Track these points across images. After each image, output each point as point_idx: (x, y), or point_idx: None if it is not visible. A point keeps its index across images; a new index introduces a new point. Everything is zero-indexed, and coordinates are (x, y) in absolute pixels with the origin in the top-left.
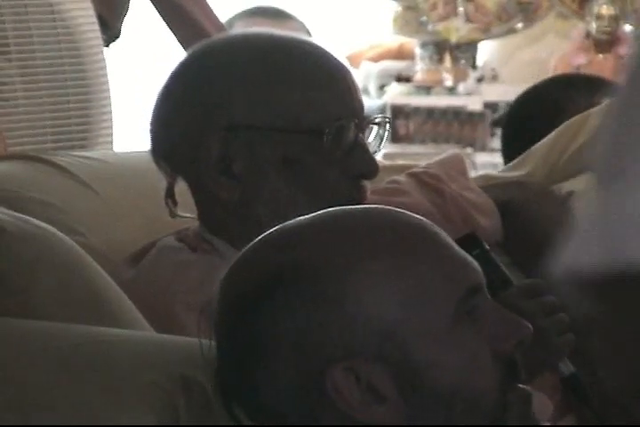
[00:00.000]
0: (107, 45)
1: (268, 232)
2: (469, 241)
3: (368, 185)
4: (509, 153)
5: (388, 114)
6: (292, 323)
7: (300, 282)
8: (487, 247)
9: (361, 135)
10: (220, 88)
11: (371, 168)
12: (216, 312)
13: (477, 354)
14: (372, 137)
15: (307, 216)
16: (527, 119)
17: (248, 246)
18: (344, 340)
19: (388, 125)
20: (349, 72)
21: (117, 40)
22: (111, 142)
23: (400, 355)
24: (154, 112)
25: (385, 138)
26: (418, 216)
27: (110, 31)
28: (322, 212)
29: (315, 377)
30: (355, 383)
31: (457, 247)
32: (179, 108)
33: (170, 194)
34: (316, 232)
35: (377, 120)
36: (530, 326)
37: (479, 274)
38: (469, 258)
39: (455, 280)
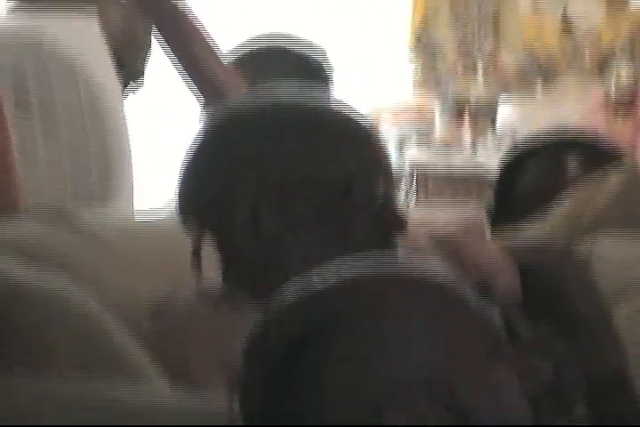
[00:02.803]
0: (130, 88)
1: (300, 290)
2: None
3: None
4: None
5: (408, 174)
6: (331, 379)
7: (337, 337)
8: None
9: (389, 190)
10: (249, 144)
11: (399, 222)
12: (246, 368)
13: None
14: (400, 193)
15: (332, 283)
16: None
17: (279, 303)
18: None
19: (415, 182)
20: (376, 128)
21: (142, 83)
22: (131, 198)
23: (446, 395)
24: (183, 170)
25: (412, 194)
26: (444, 276)
27: (130, 70)
28: (345, 278)
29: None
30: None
31: (476, 307)
32: (209, 166)
33: (196, 254)
34: (353, 285)
35: (405, 177)
36: None
37: (501, 332)
38: (490, 318)
39: (478, 338)
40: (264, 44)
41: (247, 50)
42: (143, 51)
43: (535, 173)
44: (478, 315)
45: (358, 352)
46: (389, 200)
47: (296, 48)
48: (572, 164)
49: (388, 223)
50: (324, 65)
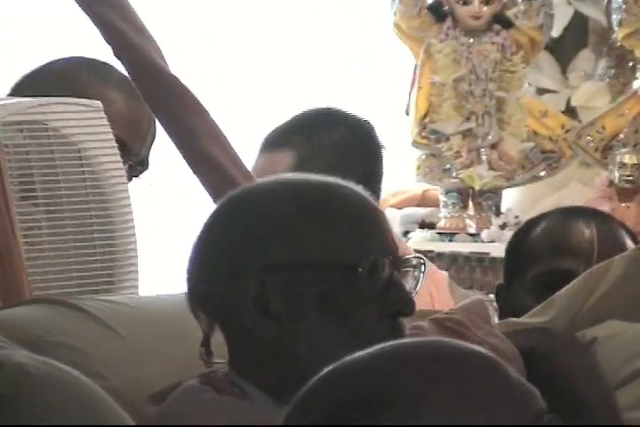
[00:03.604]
0: (134, 175)
1: (328, 369)
2: None
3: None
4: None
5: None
6: None
7: (373, 415)
8: None
9: (396, 273)
10: (255, 229)
11: (407, 305)
12: None
13: None
14: (407, 278)
15: (368, 350)
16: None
17: (312, 383)
18: None
19: (423, 267)
20: (382, 212)
21: (145, 170)
22: (136, 286)
23: None
24: (190, 259)
25: (420, 280)
26: (476, 347)
27: (135, 158)
28: (382, 346)
29: None
30: None
31: (517, 375)
32: (215, 252)
33: (206, 344)
34: (385, 364)
35: (413, 262)
36: None
37: (541, 400)
38: (531, 386)
39: (522, 407)
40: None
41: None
42: (148, 138)
43: None
44: (522, 384)
45: None
46: (396, 283)
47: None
48: None
49: (395, 307)
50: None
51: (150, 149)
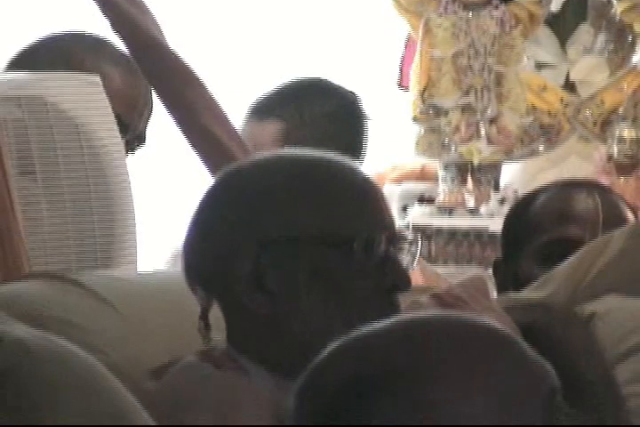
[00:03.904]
0: (131, 150)
1: (341, 341)
2: None
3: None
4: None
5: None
6: None
7: (388, 390)
8: None
9: (392, 248)
10: (251, 204)
11: (403, 281)
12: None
13: None
14: (403, 254)
15: (382, 324)
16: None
17: (324, 356)
18: None
19: (419, 243)
20: (378, 186)
21: (142, 145)
22: (135, 262)
23: None
24: (187, 234)
25: (417, 255)
26: (491, 322)
27: (132, 133)
28: (397, 319)
29: None
30: None
31: (532, 351)
32: (211, 227)
33: (204, 319)
34: (399, 338)
35: (409, 237)
36: None
37: (555, 377)
38: (545, 362)
39: (536, 382)
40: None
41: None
42: (145, 113)
43: None
44: (537, 361)
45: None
46: (392, 259)
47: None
48: None
49: (391, 282)
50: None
51: (147, 123)
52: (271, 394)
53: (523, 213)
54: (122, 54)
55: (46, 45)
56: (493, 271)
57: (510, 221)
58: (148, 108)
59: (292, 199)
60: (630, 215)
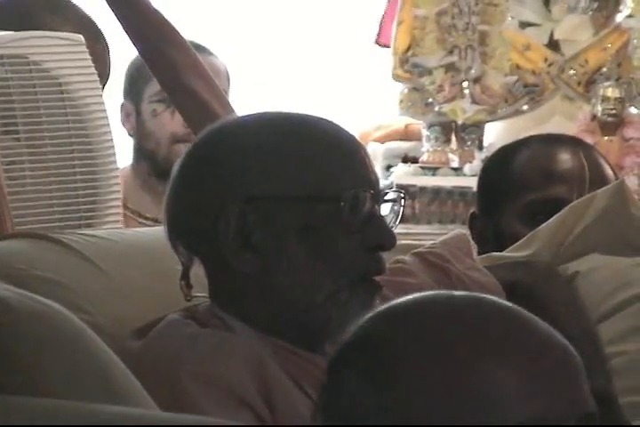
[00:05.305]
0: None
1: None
2: None
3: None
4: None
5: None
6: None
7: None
8: None
9: (377, 207)
10: (236, 161)
11: (387, 239)
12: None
13: None
14: (387, 212)
15: (411, 297)
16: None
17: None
18: None
19: (403, 201)
20: (363, 146)
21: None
22: (119, 221)
23: None
24: (170, 193)
25: (400, 213)
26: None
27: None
28: (422, 294)
29: None
30: None
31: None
32: (195, 184)
33: (185, 277)
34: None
35: (392, 195)
36: None
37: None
38: (563, 338)
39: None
40: None
41: None
42: (108, 76)
43: None
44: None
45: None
46: (377, 217)
47: None
48: None
49: (375, 240)
50: None
51: (104, 87)
52: (257, 351)
53: (503, 167)
54: (85, 17)
55: (9, 6)
56: (469, 225)
57: (488, 174)
58: (105, 73)
59: (278, 157)
60: (612, 174)
